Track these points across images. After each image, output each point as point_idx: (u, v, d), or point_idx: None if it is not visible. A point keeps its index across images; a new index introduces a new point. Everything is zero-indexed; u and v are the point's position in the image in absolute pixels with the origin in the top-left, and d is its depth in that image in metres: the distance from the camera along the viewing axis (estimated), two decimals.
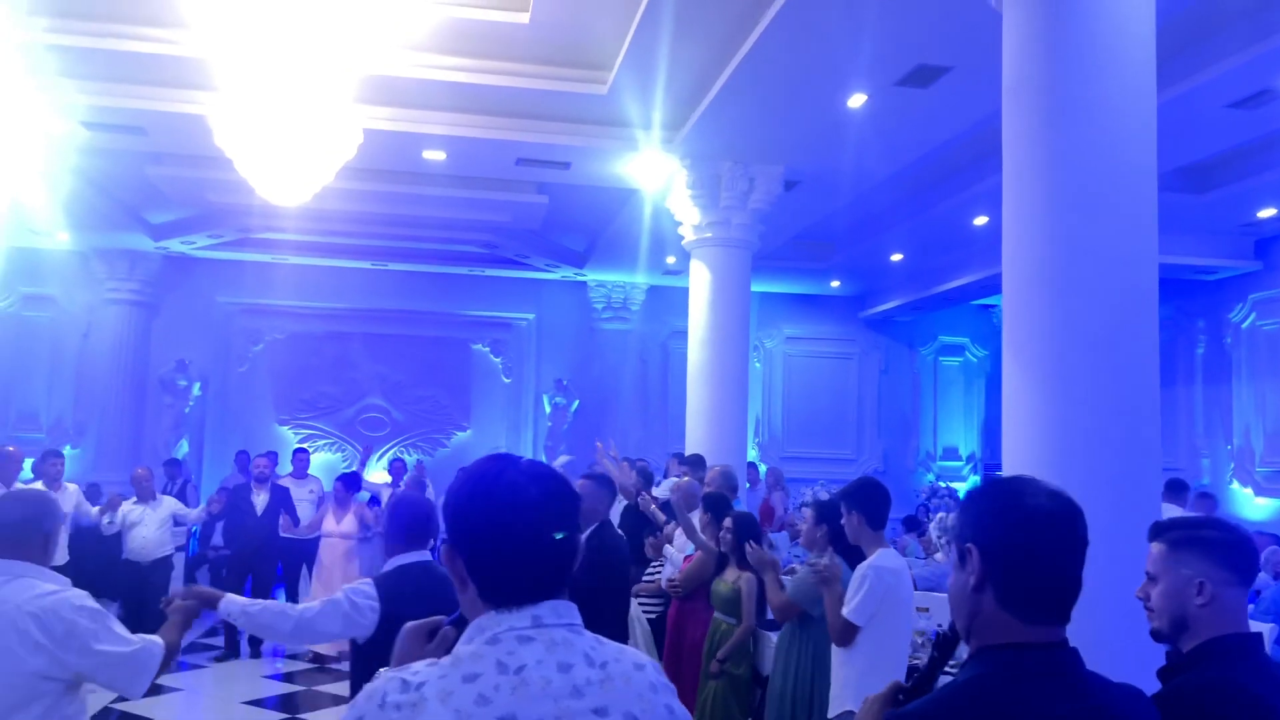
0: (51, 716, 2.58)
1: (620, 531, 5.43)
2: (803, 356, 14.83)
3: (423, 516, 3.29)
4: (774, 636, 4.81)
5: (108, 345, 12.79)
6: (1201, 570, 1.97)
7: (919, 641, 4.95)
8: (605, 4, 6.39)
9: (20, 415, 12.77)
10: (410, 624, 1.57)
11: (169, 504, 8.66)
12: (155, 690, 7.07)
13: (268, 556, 9.02)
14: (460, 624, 1.47)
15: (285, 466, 11.20)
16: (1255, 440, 11.19)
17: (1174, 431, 11.32)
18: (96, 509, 8.08)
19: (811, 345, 14.82)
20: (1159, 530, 2.08)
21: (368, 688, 1.36)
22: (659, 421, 13.75)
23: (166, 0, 6.44)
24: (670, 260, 11.75)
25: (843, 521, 4.00)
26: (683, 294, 9.49)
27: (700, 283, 8.63)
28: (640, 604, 6.03)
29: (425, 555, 3.22)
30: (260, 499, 9.11)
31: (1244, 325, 11.43)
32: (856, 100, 6.89)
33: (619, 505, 6.69)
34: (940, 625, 5.35)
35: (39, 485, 7.64)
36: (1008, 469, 3.76)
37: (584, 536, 4.52)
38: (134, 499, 8.35)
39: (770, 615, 4.75)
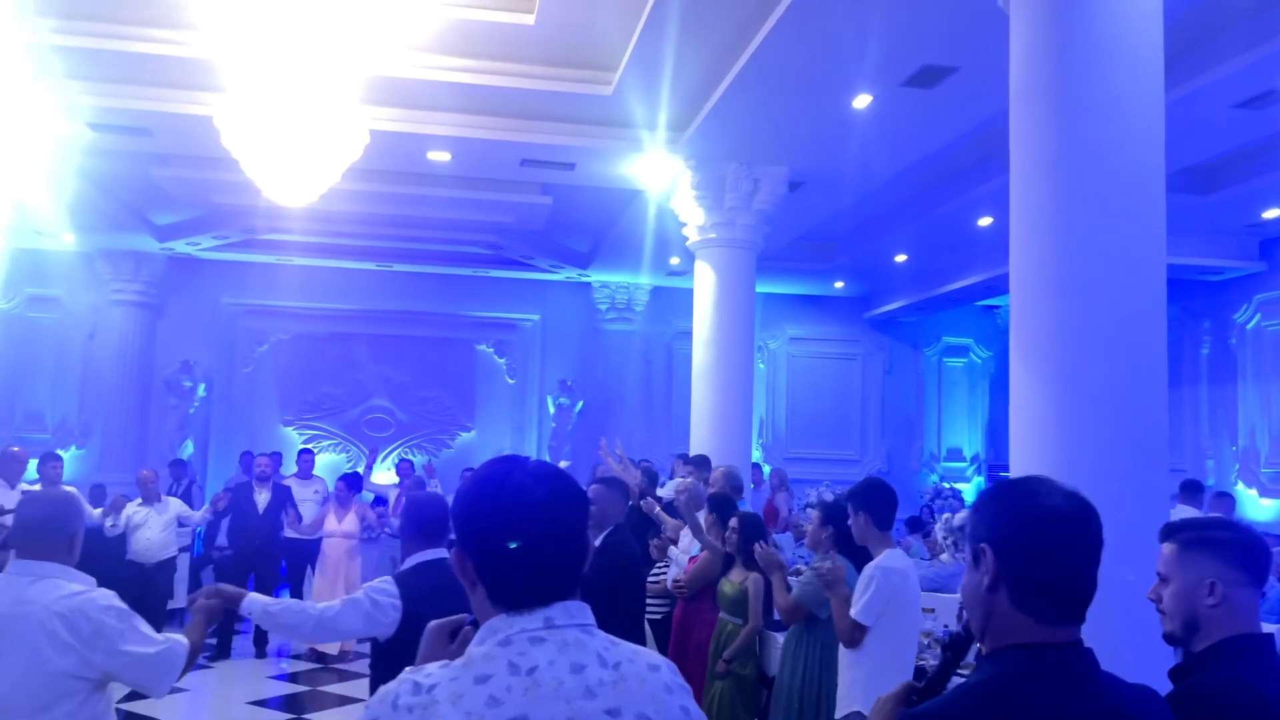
0: (79, 715, 2.59)
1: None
2: (807, 357, 14.82)
3: (436, 513, 3.31)
4: (780, 637, 4.80)
5: (113, 346, 12.81)
6: (1213, 571, 1.96)
7: (925, 643, 4.95)
8: (611, 5, 6.39)
9: (26, 416, 12.79)
10: (433, 623, 1.58)
11: (174, 505, 8.66)
12: None
13: (270, 555, 9.03)
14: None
15: (290, 467, 11.22)
16: (1260, 441, 11.18)
17: (1179, 432, 11.31)
18: (99, 511, 8.09)
19: (815, 346, 14.81)
20: (1170, 531, 2.07)
21: (382, 690, 1.36)
22: (663, 422, 13.75)
23: (173, 1, 6.45)
24: (674, 261, 11.74)
25: (849, 522, 3.99)
26: (687, 295, 9.49)
27: (705, 283, 8.63)
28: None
29: (442, 552, 3.24)
30: (262, 498, 9.14)
31: (1249, 326, 11.41)
32: (862, 101, 6.88)
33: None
34: (947, 626, 5.35)
35: (37, 487, 7.67)
36: (1015, 470, 3.75)
37: (599, 540, 4.54)
38: (139, 500, 8.36)
39: (777, 616, 4.75)
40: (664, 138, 7.96)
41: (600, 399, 13.87)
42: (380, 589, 3.09)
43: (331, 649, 8.82)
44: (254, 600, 3.06)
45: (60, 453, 8.76)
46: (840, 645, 3.90)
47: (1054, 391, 3.64)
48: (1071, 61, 3.74)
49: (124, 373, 12.78)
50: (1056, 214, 3.70)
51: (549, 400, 13.97)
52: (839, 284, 13.91)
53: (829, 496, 9.63)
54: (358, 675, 8.32)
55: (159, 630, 2.90)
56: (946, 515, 7.77)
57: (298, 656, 8.94)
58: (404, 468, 11.49)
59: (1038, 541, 1.47)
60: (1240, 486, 11.24)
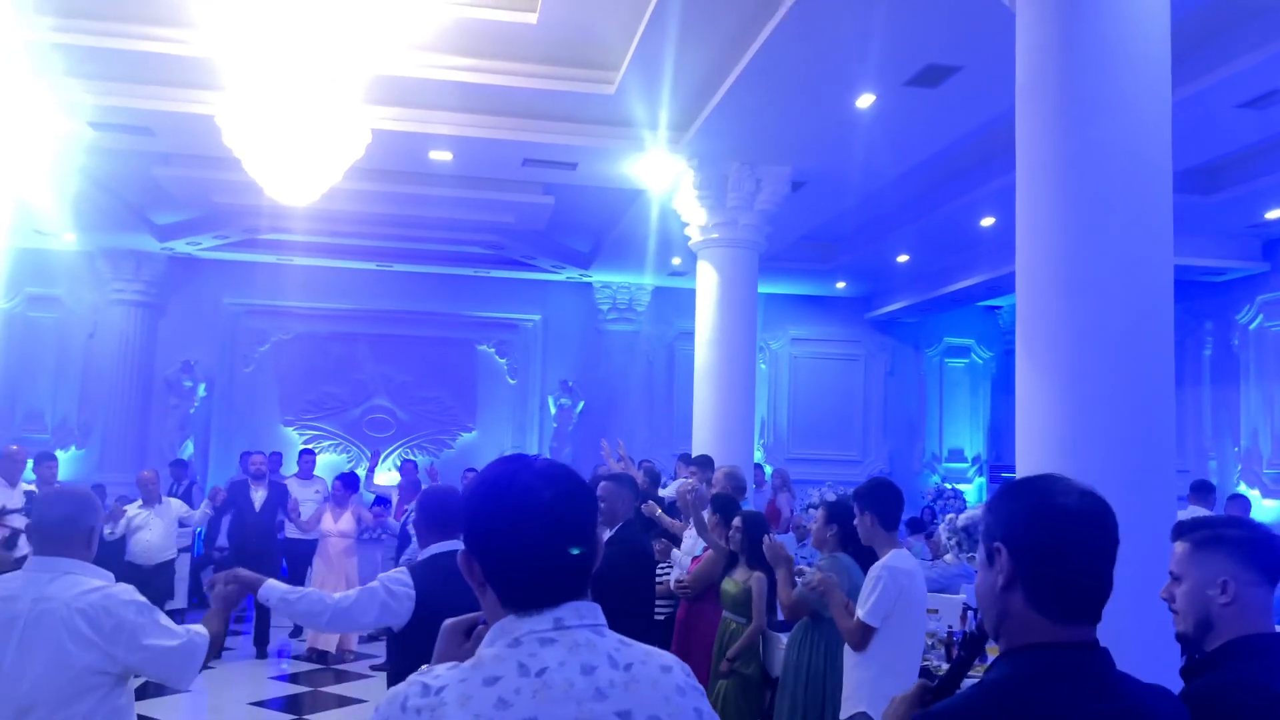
0: (102, 709, 2.61)
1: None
2: (808, 358, 14.80)
3: (450, 505, 3.33)
4: (784, 637, 4.79)
5: (113, 346, 12.79)
6: (1225, 569, 1.95)
7: (929, 643, 4.93)
8: (613, 4, 6.37)
9: (26, 416, 12.77)
10: (449, 621, 1.56)
11: (175, 506, 8.65)
12: (160, 691, 7.06)
13: (267, 554, 9.03)
14: None
15: (291, 467, 11.21)
16: (1263, 442, 11.16)
17: (1181, 433, 11.23)
18: None
19: (817, 346, 14.80)
20: (1182, 530, 2.06)
21: (391, 691, 1.35)
22: (664, 423, 13.74)
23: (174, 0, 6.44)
24: (676, 261, 11.73)
25: (855, 522, 3.98)
26: (688, 295, 9.48)
27: (707, 283, 8.62)
28: None
29: (457, 543, 3.24)
30: (258, 496, 9.15)
31: (1251, 327, 11.39)
32: (865, 100, 6.87)
33: None
34: (950, 627, 5.33)
35: (31, 487, 7.66)
36: (1021, 471, 3.73)
37: (607, 536, 4.55)
38: (139, 502, 8.34)
39: (781, 615, 4.73)
40: (666, 137, 7.94)
41: (601, 399, 13.86)
42: (395, 579, 3.12)
43: (331, 648, 8.81)
44: (272, 587, 3.09)
45: (60, 453, 8.76)
46: (846, 645, 3.88)
47: (1061, 390, 3.62)
48: (1078, 59, 3.72)
49: (124, 372, 12.76)
50: (1063, 212, 3.69)
51: (550, 401, 13.96)
52: (841, 284, 13.90)
53: (831, 497, 9.61)
54: (358, 676, 8.31)
55: None
56: (950, 516, 7.76)
57: (298, 657, 8.93)
58: (407, 467, 11.49)
59: (1053, 540, 1.46)
60: (1243, 487, 11.23)
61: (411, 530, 8.98)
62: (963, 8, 5.44)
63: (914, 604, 3.78)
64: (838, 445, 14.60)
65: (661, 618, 5.99)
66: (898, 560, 3.80)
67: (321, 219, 10.01)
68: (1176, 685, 1.88)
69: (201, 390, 13.19)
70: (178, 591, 9.07)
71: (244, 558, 9.00)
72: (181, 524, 8.74)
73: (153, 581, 8.13)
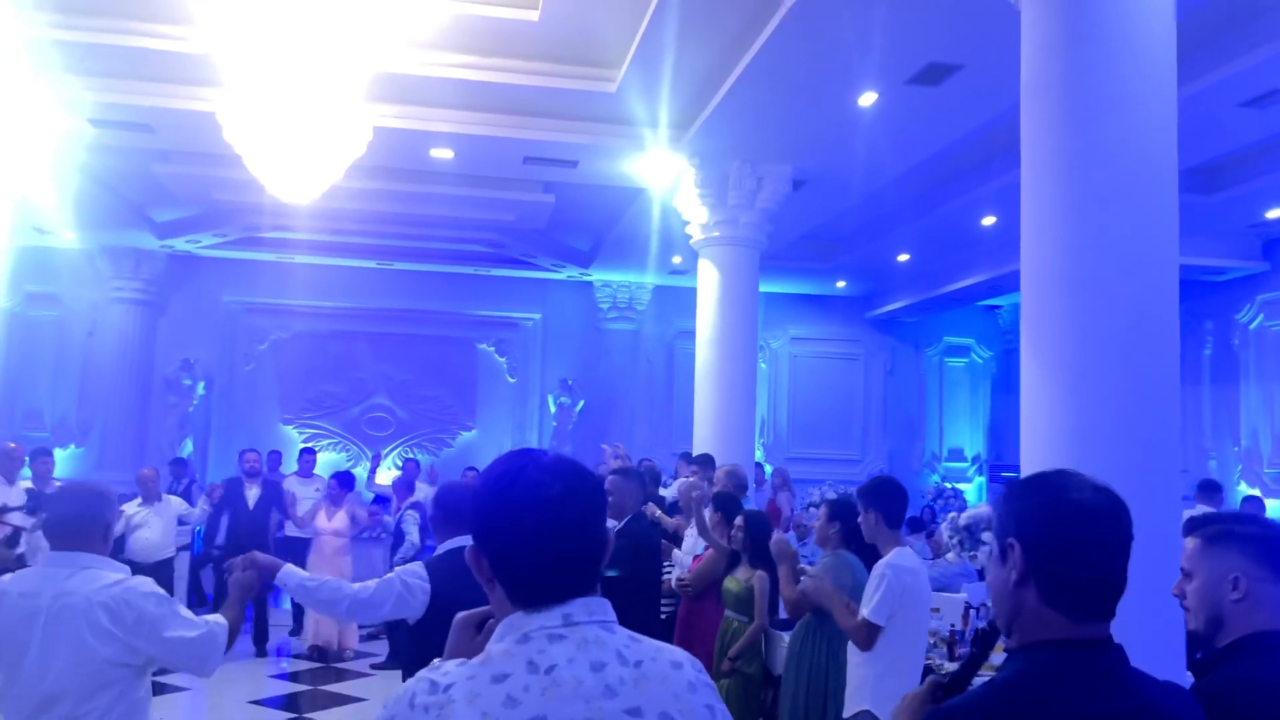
0: (123, 701, 2.66)
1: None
2: (808, 357, 14.80)
3: (465, 500, 3.34)
4: (786, 635, 4.78)
5: (112, 344, 12.77)
6: (1237, 565, 1.93)
7: (930, 642, 4.92)
8: (615, 1, 6.36)
9: (25, 414, 12.74)
10: (461, 615, 1.55)
11: (174, 504, 8.63)
12: (160, 690, 7.04)
13: (261, 549, 8.99)
14: None
15: (290, 466, 11.19)
16: (1263, 441, 11.16)
17: (1181, 433, 11.17)
18: None
19: (817, 346, 14.79)
20: (1194, 525, 2.04)
21: (400, 687, 1.34)
22: (664, 421, 13.73)
23: None
24: (676, 260, 11.72)
25: (859, 520, 3.97)
26: (688, 294, 9.46)
27: (708, 282, 8.61)
28: None
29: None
30: (252, 493, 9.14)
31: (1251, 326, 11.39)
32: (867, 99, 6.86)
33: None
34: (953, 625, 5.31)
35: (27, 485, 7.64)
36: (1026, 468, 3.72)
37: (616, 528, 4.56)
38: (138, 500, 8.32)
39: (783, 614, 4.72)
40: (667, 135, 7.93)
41: (601, 398, 13.85)
42: (411, 572, 3.17)
43: (332, 645, 8.81)
44: (291, 573, 3.13)
45: (59, 451, 8.73)
46: (849, 643, 3.87)
47: (1066, 387, 3.61)
48: (1083, 56, 3.72)
49: (124, 371, 12.74)
50: (1068, 210, 3.68)
51: (550, 399, 13.94)
52: (841, 283, 13.89)
53: (833, 496, 9.61)
54: (357, 674, 8.29)
55: None
56: (953, 515, 7.76)
57: (298, 656, 8.92)
58: (409, 466, 11.49)
59: (1067, 536, 1.44)
60: (1243, 487, 11.23)
61: (405, 528, 8.97)
62: (964, 6, 5.43)
63: (918, 602, 3.76)
64: (837, 444, 14.60)
65: (663, 616, 5.99)
66: (901, 558, 3.79)
67: (321, 217, 9.99)
68: (1181, 682, 1.87)
69: (201, 388, 13.17)
70: (176, 590, 9.04)
71: (237, 553, 9.00)
72: (181, 522, 8.72)
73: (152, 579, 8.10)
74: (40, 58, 6.86)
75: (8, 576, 2.78)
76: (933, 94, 6.69)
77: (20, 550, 7.28)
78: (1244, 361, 11.45)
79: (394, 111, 7.68)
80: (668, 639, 5.70)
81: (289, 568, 3.13)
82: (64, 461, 11.85)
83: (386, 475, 12.42)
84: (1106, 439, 3.51)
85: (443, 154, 8.57)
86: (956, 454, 15.15)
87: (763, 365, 14.10)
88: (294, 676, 8.33)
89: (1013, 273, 10.63)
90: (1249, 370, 11.39)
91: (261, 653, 8.88)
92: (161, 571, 8.32)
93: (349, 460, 13.28)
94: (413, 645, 3.18)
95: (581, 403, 13.87)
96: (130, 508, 8.17)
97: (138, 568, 7.94)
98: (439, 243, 11.66)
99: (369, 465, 12.87)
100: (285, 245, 12.17)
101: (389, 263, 12.96)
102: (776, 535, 4.59)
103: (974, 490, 14.70)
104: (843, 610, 3.85)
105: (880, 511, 3.87)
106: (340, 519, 9.11)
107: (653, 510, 6.38)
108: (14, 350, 12.43)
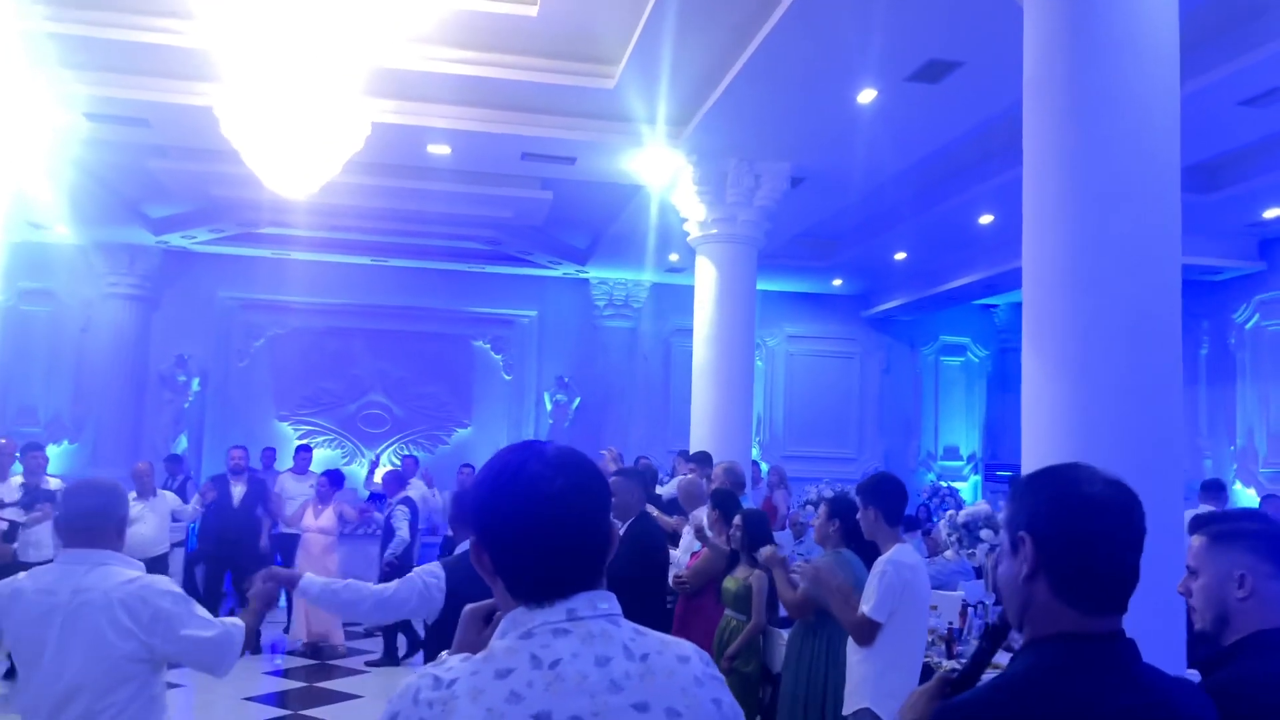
0: (140, 696, 2.67)
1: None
2: (804, 355, 14.80)
3: None
4: (784, 634, 4.76)
5: (107, 340, 12.72)
6: (1243, 563, 1.92)
7: (929, 640, 4.91)
8: None
9: (19, 410, 12.68)
10: (468, 608, 1.52)
11: (169, 500, 8.60)
12: None
13: (246, 546, 9.01)
14: None
15: (286, 463, 11.15)
16: (1259, 441, 11.18)
17: None
18: None
19: (813, 344, 14.79)
20: (1200, 523, 2.03)
21: (404, 683, 1.32)
22: (660, 419, 13.71)
23: None
24: (673, 258, 11.70)
25: (859, 516, 3.96)
26: (685, 292, 9.45)
27: (706, 279, 8.59)
28: None
29: None
30: (237, 490, 9.12)
31: (1248, 326, 11.41)
32: (866, 96, 6.84)
33: None
34: (951, 623, 5.30)
35: (18, 480, 7.61)
36: (1027, 466, 3.71)
37: (622, 530, 4.56)
38: (133, 494, 8.27)
39: (782, 613, 4.71)
40: (665, 132, 7.91)
41: (598, 396, 13.83)
42: (430, 571, 3.23)
43: (326, 641, 8.79)
44: (312, 581, 3.18)
45: (53, 447, 8.69)
46: (849, 641, 3.86)
47: (1068, 384, 3.61)
48: (1086, 54, 3.71)
49: (118, 367, 12.69)
50: (1071, 207, 3.67)
51: (546, 397, 13.92)
52: (837, 282, 13.89)
53: (829, 494, 9.59)
54: (351, 671, 8.27)
55: None
56: (951, 512, 7.75)
57: (291, 652, 8.89)
58: (407, 463, 11.45)
59: (1078, 529, 1.43)
60: (1238, 486, 11.25)
61: (395, 524, 8.94)
62: (965, 3, 5.43)
63: (918, 599, 3.76)
64: (833, 443, 14.60)
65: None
66: (901, 555, 3.78)
67: (318, 213, 9.96)
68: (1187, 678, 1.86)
69: (195, 385, 13.13)
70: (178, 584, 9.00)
71: (223, 550, 9.01)
72: (174, 518, 8.70)
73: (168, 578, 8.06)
74: (36, 51, 6.82)
75: (22, 575, 2.78)
76: (932, 91, 6.68)
77: (15, 545, 7.25)
78: (1240, 361, 11.47)
79: (392, 107, 7.65)
80: None
81: (309, 576, 3.19)
82: (58, 458, 11.81)
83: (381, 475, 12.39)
84: (1108, 437, 3.50)
85: (440, 150, 8.54)
86: (952, 452, 15.16)
87: (759, 363, 14.08)
88: (287, 673, 8.30)
89: (1009, 271, 10.63)
90: (1245, 370, 11.41)
91: (256, 649, 8.84)
92: (155, 567, 8.28)
93: (344, 457, 13.24)
94: (432, 644, 3.24)
95: (578, 400, 13.85)
96: None
97: None
98: (436, 239, 11.63)
99: (369, 465, 12.83)
100: (281, 241, 12.13)
101: (385, 259, 12.93)
102: (765, 548, 4.57)
103: (970, 489, 14.71)
104: (844, 604, 3.84)
105: (880, 508, 3.86)
106: (327, 517, 9.07)
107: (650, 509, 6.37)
108: (8, 346, 12.38)
